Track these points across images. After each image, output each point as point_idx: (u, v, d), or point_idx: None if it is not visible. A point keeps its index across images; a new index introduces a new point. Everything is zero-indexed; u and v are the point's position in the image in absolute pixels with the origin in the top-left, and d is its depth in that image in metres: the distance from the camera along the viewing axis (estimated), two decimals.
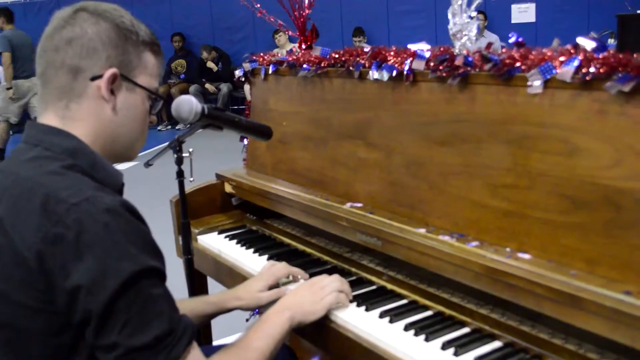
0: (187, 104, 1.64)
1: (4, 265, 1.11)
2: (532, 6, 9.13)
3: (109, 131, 1.26)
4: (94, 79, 1.22)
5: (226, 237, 2.17)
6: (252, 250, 2.02)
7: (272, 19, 2.49)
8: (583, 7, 8.68)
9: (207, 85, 10.55)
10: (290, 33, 2.42)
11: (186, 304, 1.64)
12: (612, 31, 3.99)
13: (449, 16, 1.72)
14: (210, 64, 10.67)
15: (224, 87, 10.50)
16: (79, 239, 1.06)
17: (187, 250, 1.97)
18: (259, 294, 1.68)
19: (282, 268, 1.74)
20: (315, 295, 1.53)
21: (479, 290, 1.43)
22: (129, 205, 1.14)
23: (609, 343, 1.21)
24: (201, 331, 2.17)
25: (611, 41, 3.96)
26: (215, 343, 2.41)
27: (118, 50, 1.24)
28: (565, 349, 1.31)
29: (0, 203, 1.15)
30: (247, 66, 2.39)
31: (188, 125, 1.78)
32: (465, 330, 1.44)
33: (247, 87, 2.53)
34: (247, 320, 2.78)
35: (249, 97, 2.48)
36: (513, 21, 9.19)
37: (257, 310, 2.69)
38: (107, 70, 1.22)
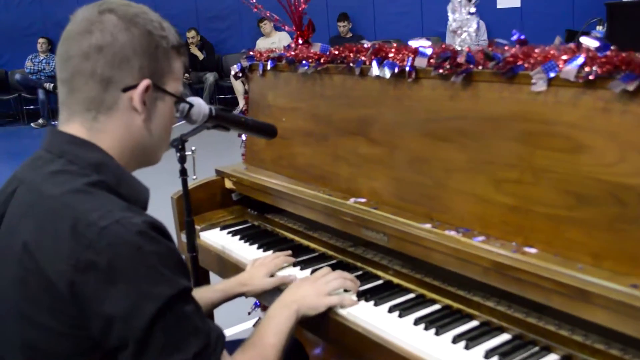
0: (196, 106, 1.63)
1: (30, 290, 1.07)
2: None
3: (137, 141, 1.23)
4: (125, 90, 1.17)
5: (229, 233, 2.18)
6: (256, 246, 2.04)
7: (257, 7, 2.48)
8: None
9: (186, 75, 10.44)
10: (286, 28, 2.43)
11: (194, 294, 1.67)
12: (600, 18, 4.01)
13: (449, 12, 1.75)
14: (194, 50, 10.56)
15: (210, 77, 10.44)
16: (112, 264, 1.02)
17: (192, 247, 1.99)
18: (264, 280, 1.75)
19: (282, 257, 1.85)
20: (319, 290, 1.56)
21: (483, 283, 1.46)
22: (157, 225, 1.11)
23: (615, 334, 1.24)
24: None
25: (599, 28, 3.99)
26: None
27: (150, 59, 1.18)
28: (573, 340, 1.34)
29: (24, 223, 1.12)
30: (244, 62, 2.40)
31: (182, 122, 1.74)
32: (474, 323, 1.48)
33: (235, 82, 2.53)
34: (249, 313, 2.81)
35: (237, 93, 2.48)
36: (498, 6, 9.22)
37: (257, 302, 2.73)
38: (139, 80, 1.17)
